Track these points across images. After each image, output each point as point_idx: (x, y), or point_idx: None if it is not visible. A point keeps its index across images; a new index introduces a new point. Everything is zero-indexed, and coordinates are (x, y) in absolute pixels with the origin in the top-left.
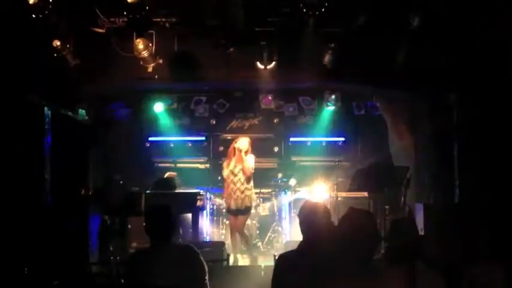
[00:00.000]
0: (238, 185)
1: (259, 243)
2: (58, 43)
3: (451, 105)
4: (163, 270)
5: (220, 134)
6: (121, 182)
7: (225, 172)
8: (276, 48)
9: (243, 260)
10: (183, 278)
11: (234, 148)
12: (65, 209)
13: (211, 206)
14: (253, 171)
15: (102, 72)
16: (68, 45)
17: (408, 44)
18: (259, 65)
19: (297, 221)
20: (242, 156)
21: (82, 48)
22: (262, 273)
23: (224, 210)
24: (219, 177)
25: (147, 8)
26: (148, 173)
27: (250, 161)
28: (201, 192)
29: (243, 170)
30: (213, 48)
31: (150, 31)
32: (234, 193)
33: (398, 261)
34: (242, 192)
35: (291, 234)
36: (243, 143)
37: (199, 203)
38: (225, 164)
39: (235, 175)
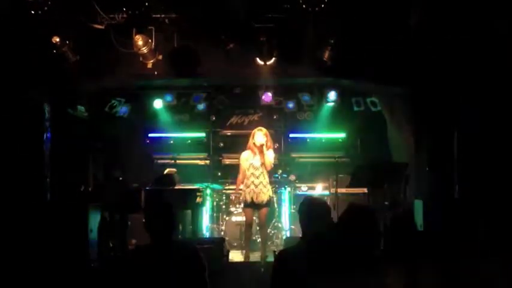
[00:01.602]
0: (261, 178)
1: (259, 239)
2: (57, 39)
3: (451, 101)
4: (163, 267)
5: (220, 130)
6: (120, 179)
7: (245, 164)
8: (276, 44)
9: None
10: (183, 275)
11: (254, 143)
12: (65, 205)
13: (210, 202)
14: (273, 166)
15: (101, 68)
16: (67, 42)
17: (408, 40)
18: (259, 61)
19: (296, 217)
20: (264, 151)
21: (81, 45)
22: (262, 269)
23: (224, 206)
24: (219, 173)
25: (146, 4)
26: (148, 169)
27: (271, 157)
28: (201, 188)
29: (264, 165)
30: (213, 44)
31: (150, 27)
32: (257, 186)
33: (399, 257)
34: (265, 186)
35: (290, 230)
36: (259, 138)
37: (198, 199)
38: (244, 156)
39: (257, 168)
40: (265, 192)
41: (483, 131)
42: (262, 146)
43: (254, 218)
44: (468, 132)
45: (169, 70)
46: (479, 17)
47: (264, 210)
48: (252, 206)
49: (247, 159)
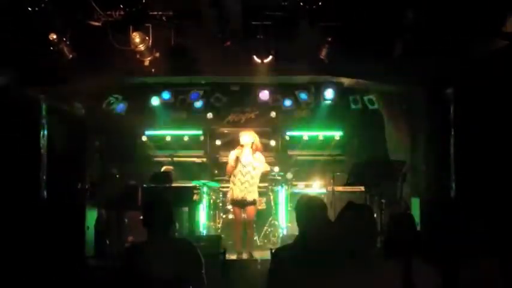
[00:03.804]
0: (248, 177)
1: (256, 237)
2: (54, 36)
3: (448, 99)
4: (160, 264)
5: (217, 128)
6: (117, 176)
7: (233, 160)
8: (273, 42)
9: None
10: (180, 272)
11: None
12: (62, 203)
13: (207, 200)
14: (268, 168)
15: (98, 65)
16: (64, 39)
17: (405, 38)
18: (256, 59)
19: (293, 215)
20: (250, 152)
21: (78, 42)
22: (259, 266)
23: (221, 204)
24: (216, 171)
25: (143, 1)
26: (145, 167)
27: (261, 162)
28: (198, 186)
29: (252, 167)
30: (210, 41)
31: (147, 24)
32: (242, 184)
33: (396, 255)
34: (251, 185)
35: (287, 228)
36: (245, 138)
37: (195, 197)
38: (234, 153)
39: (245, 166)
40: (250, 191)
41: (480, 129)
42: (249, 146)
43: (243, 215)
44: (465, 130)
45: (166, 67)
46: (477, 17)
47: (251, 209)
48: (240, 204)
49: (235, 154)
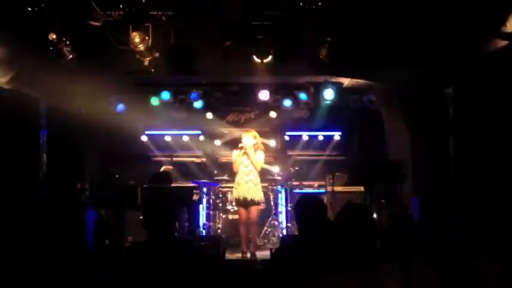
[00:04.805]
0: (251, 176)
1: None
2: (54, 36)
3: (448, 99)
4: (160, 264)
5: (216, 128)
6: (117, 176)
7: (235, 161)
8: (273, 41)
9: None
10: (179, 272)
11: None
12: (61, 203)
13: (207, 200)
14: (262, 165)
15: (98, 65)
16: (63, 39)
17: (405, 38)
18: (256, 59)
19: (293, 215)
20: (251, 154)
21: (78, 42)
22: (259, 267)
23: (221, 204)
24: (216, 171)
25: (143, 1)
26: (145, 166)
27: (259, 158)
28: (197, 186)
29: (254, 166)
30: (210, 41)
31: (147, 24)
32: (246, 183)
33: (396, 255)
34: (255, 185)
35: (287, 228)
36: (246, 140)
37: (195, 197)
38: (236, 153)
39: (246, 166)
40: (256, 191)
41: (479, 129)
42: (243, 148)
43: (247, 216)
44: (464, 130)
45: (166, 67)
46: (477, 17)
47: (254, 209)
48: (243, 204)
49: (238, 155)
